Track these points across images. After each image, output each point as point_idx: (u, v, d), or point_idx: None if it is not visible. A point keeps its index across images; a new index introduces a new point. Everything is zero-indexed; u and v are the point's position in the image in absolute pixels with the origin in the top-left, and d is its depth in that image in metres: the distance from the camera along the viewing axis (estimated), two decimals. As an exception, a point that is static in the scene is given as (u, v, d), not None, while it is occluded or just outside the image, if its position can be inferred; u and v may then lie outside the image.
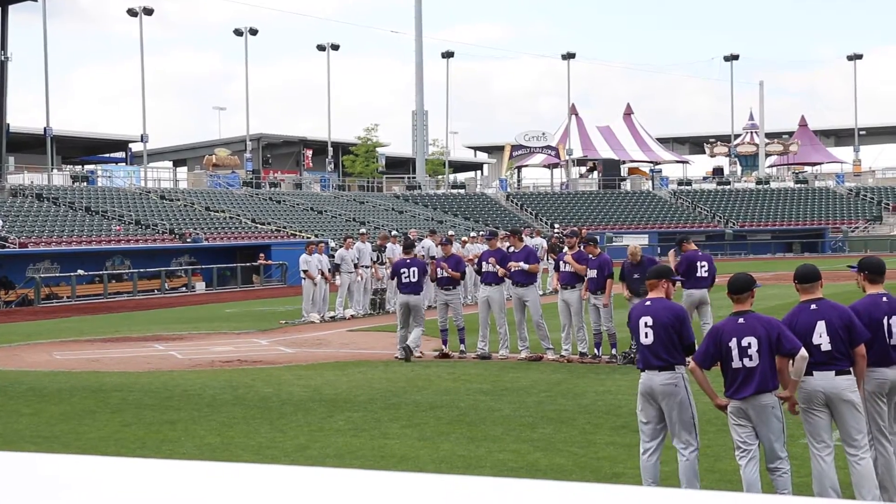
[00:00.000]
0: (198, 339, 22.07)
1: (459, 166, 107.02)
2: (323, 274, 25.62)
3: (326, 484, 2.70)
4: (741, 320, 7.78)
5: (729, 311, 8.07)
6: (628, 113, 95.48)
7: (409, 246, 19.29)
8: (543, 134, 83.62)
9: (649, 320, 8.27)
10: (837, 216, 72.64)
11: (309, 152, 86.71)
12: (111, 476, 2.80)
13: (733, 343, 7.70)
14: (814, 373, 7.69)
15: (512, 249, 18.88)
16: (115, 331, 24.40)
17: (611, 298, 16.77)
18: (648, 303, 8.45)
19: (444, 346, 18.05)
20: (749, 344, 7.65)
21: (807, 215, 73.05)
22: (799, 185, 79.33)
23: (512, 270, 17.60)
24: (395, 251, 26.01)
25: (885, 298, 8.18)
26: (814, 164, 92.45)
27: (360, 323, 24.93)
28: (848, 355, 7.71)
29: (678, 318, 8.24)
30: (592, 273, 16.71)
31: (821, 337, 7.67)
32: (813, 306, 7.81)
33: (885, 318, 8.04)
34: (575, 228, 30.11)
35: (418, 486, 2.65)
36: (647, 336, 8.24)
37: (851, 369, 7.72)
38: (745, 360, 7.66)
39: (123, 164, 75.86)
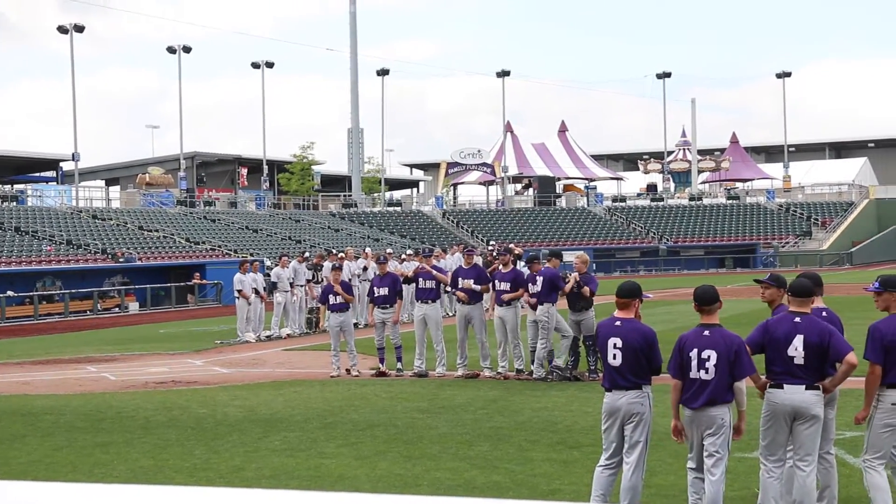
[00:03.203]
0: (131, 360, 21.77)
1: (395, 184, 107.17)
2: (258, 293, 25.44)
3: (261, 506, 2.68)
4: (706, 332, 7.82)
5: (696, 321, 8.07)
6: (563, 130, 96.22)
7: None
8: (479, 151, 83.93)
9: (618, 342, 8.14)
10: (768, 231, 73.90)
11: (244, 170, 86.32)
12: (41, 502, 2.75)
13: (694, 353, 7.76)
14: (784, 385, 7.75)
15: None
16: (46, 353, 23.99)
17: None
18: (618, 323, 8.27)
19: (381, 365, 18.00)
20: (708, 357, 7.71)
21: (739, 231, 74.19)
22: (731, 201, 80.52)
23: (460, 287, 17.54)
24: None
25: (824, 313, 8.28)
26: (745, 181, 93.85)
27: (296, 342, 24.79)
28: (820, 371, 7.75)
29: (647, 342, 8.12)
30: (536, 288, 16.62)
31: (796, 350, 7.71)
32: (797, 319, 7.83)
33: None
34: (510, 245, 30.23)
35: (354, 507, 2.64)
36: (615, 357, 8.14)
37: (820, 385, 7.75)
38: (702, 373, 7.72)
39: (54, 183, 74.78)
